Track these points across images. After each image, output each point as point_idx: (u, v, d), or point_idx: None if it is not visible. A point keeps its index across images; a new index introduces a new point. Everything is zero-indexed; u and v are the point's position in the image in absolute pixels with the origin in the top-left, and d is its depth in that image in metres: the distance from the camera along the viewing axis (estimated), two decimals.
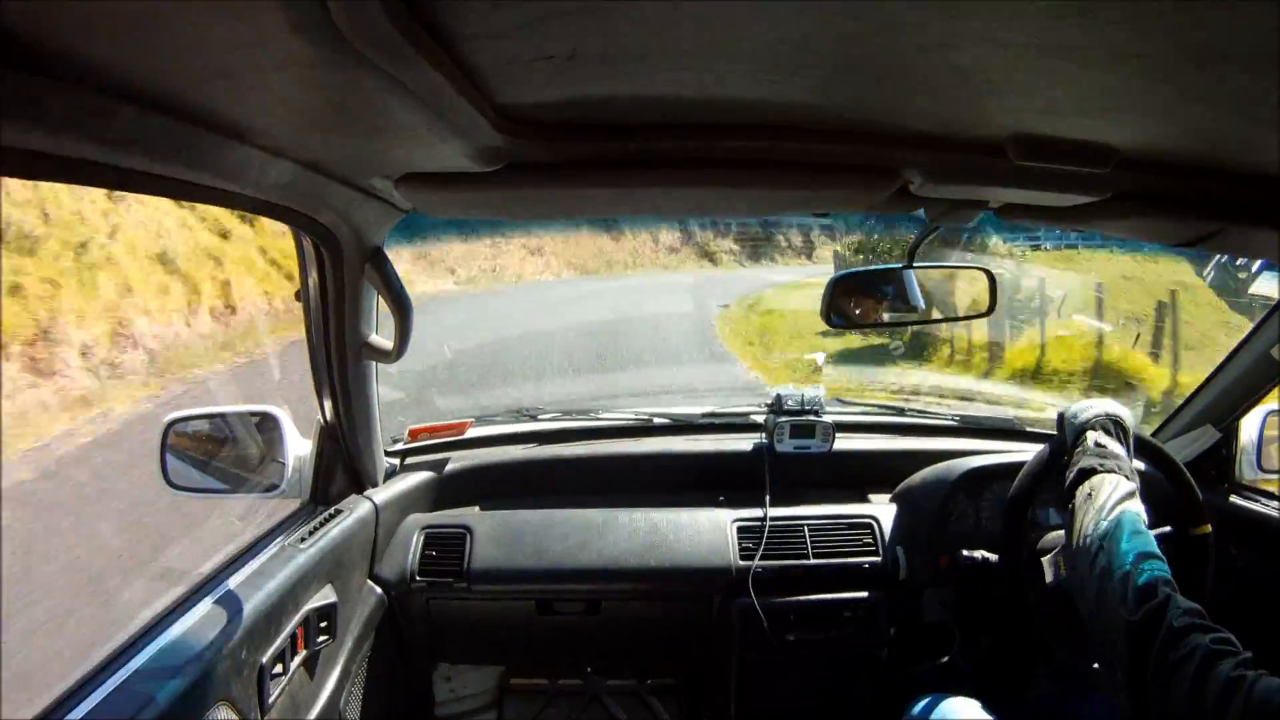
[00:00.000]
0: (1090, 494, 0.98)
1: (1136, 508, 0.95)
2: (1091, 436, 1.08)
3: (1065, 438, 1.14)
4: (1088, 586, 0.90)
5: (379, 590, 1.38)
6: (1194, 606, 0.79)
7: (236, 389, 6.15)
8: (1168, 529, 1.26)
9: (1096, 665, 0.96)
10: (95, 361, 5.87)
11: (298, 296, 1.13)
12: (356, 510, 1.31)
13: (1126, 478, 0.99)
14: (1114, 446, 1.06)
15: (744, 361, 7.37)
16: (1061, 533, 1.14)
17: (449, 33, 0.50)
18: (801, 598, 1.47)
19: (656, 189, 0.85)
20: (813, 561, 1.45)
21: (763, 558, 1.45)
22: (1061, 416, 1.17)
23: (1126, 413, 1.13)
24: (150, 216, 7.46)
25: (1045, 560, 1.19)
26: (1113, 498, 0.96)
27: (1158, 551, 0.88)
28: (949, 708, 1.19)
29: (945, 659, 1.51)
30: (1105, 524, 0.92)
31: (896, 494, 1.57)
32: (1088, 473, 1.01)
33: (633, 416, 1.74)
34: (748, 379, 6.63)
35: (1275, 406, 1.45)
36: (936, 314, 1.38)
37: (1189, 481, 1.23)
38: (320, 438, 1.25)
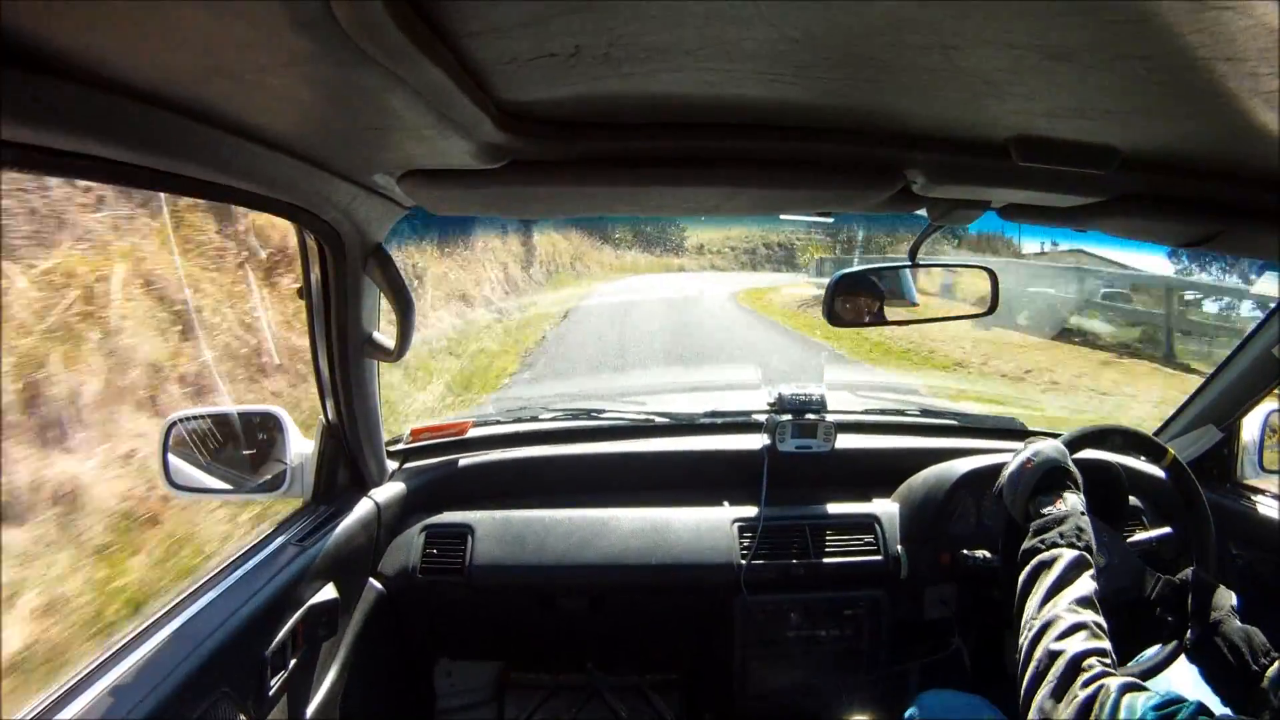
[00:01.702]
0: (1025, 583, 0.92)
1: (1078, 589, 0.88)
2: (1030, 508, 1.01)
3: (1016, 519, 1.07)
4: (1027, 690, 0.83)
5: (380, 587, 1.38)
6: (1127, 682, 0.75)
7: None
8: (1167, 530, 1.26)
9: None
10: None
11: (300, 294, 1.13)
12: (358, 509, 1.31)
13: (1071, 545, 0.92)
14: (1054, 509, 0.99)
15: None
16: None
17: (451, 30, 0.50)
18: (803, 595, 1.47)
19: (659, 188, 0.86)
20: (814, 560, 1.46)
21: (762, 556, 1.45)
22: (1000, 494, 1.10)
23: (1055, 447, 1.07)
24: None
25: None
26: (1048, 582, 0.89)
27: (1097, 646, 0.81)
28: (950, 702, 1.19)
29: (945, 655, 1.52)
30: (1040, 621, 0.86)
31: (898, 493, 1.57)
32: (1029, 555, 0.95)
33: (634, 416, 1.74)
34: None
35: (1276, 406, 1.45)
36: (937, 313, 1.37)
37: (1131, 430, 1.19)
38: (322, 437, 1.25)
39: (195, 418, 1.27)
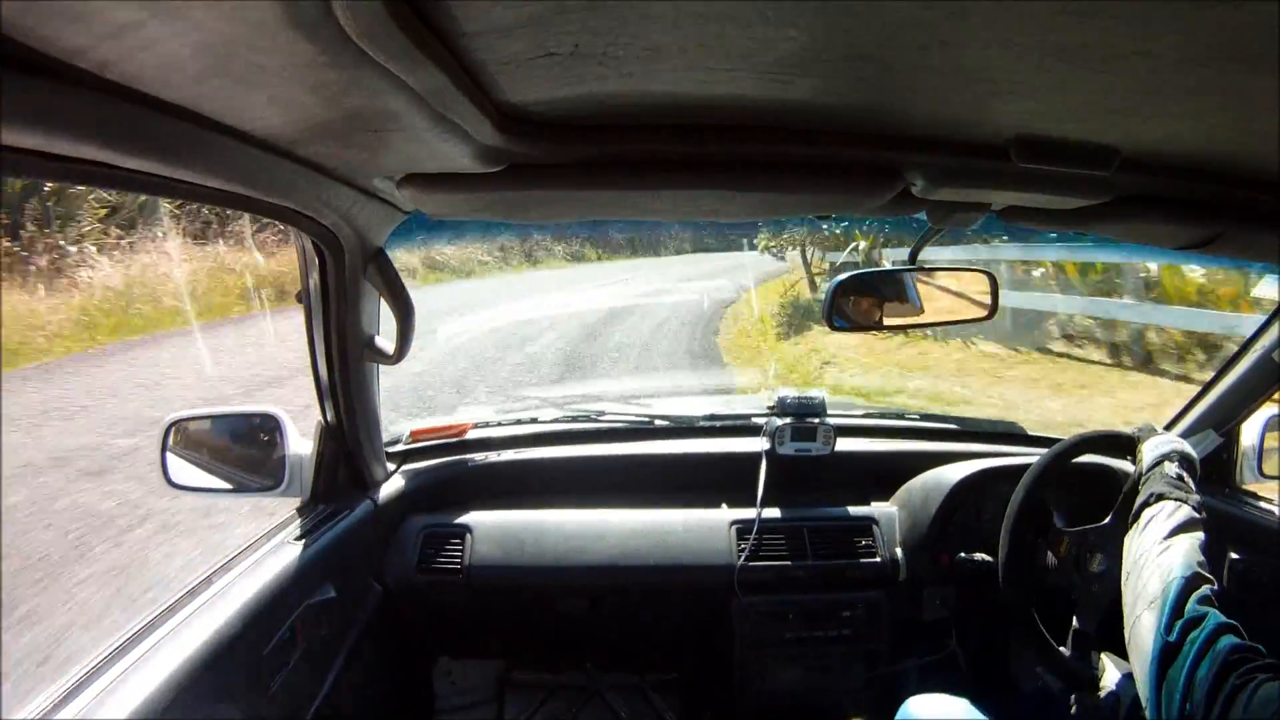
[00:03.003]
0: (1155, 516, 1.02)
1: (1198, 536, 0.98)
2: (1170, 467, 1.12)
3: (1140, 460, 1.17)
4: (1134, 600, 0.93)
5: (379, 587, 1.38)
6: (1228, 622, 0.81)
7: None
8: None
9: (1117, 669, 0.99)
10: None
11: (298, 298, 1.13)
12: (357, 510, 1.31)
13: (1194, 509, 1.02)
14: (1189, 480, 1.10)
15: None
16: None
17: (451, 30, 0.50)
18: (801, 597, 1.47)
19: (658, 191, 0.85)
20: (812, 562, 1.46)
21: (760, 558, 1.45)
22: (1136, 439, 1.21)
23: (1196, 455, 1.17)
24: None
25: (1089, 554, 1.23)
26: (1176, 522, 0.99)
27: (1209, 575, 0.91)
28: (938, 707, 1.19)
29: (943, 656, 1.52)
30: (1162, 546, 0.96)
31: (897, 496, 1.57)
32: (1160, 496, 1.05)
33: (634, 418, 1.74)
34: None
35: (1276, 411, 1.45)
36: (937, 317, 1.37)
37: (1100, 433, 1.28)
38: (321, 438, 1.25)
39: (194, 418, 1.27)
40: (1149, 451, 1.17)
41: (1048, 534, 1.27)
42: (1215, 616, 0.82)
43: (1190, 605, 0.85)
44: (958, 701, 1.19)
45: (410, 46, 0.48)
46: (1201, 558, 0.94)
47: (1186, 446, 1.17)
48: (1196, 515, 1.02)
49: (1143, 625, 0.89)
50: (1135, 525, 1.04)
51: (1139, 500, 1.08)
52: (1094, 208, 0.91)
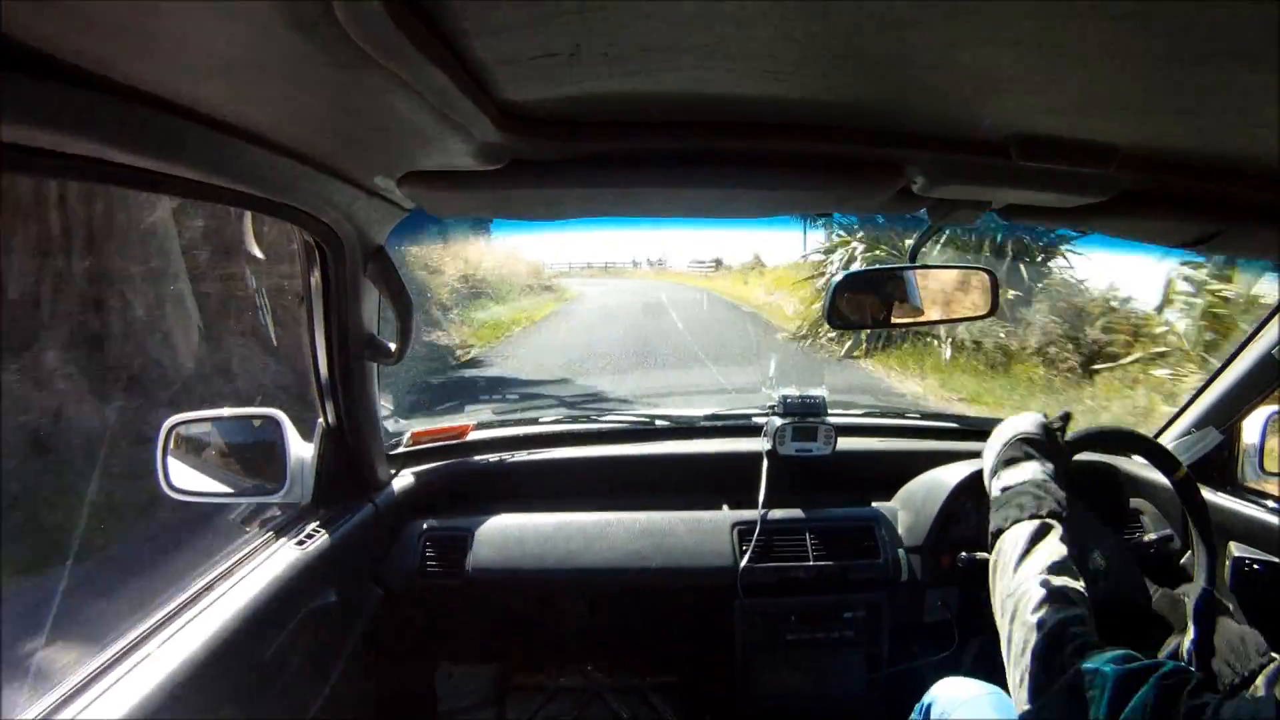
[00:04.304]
0: (995, 560, 0.91)
1: (1040, 558, 0.86)
2: (995, 486, 0.99)
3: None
4: (1006, 655, 0.83)
5: (379, 590, 1.38)
6: (1116, 653, 0.73)
7: None
8: (1167, 531, 1.24)
9: None
10: None
11: (300, 297, 1.13)
12: (358, 513, 1.31)
13: (1033, 517, 0.90)
14: (1016, 476, 0.97)
15: None
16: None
17: (451, 31, 0.50)
18: (802, 598, 1.47)
19: (658, 188, 0.86)
20: (814, 564, 1.45)
21: (761, 560, 1.44)
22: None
23: (1032, 420, 1.05)
24: None
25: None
26: (1014, 556, 0.88)
27: (1074, 591, 0.81)
28: (966, 691, 1.17)
29: (945, 657, 1.51)
30: (1015, 582, 0.86)
31: (898, 496, 1.56)
32: (995, 536, 0.93)
33: (634, 419, 1.74)
34: None
35: (1277, 409, 1.45)
36: (938, 315, 1.37)
37: (1149, 441, 1.15)
38: (322, 440, 1.25)
39: (194, 421, 1.26)
40: (987, 478, 1.04)
41: None
42: (1095, 661, 0.72)
43: (1068, 656, 0.74)
44: (985, 686, 1.16)
45: (409, 46, 0.48)
46: (1064, 577, 0.82)
47: (1023, 426, 1.03)
48: (1029, 525, 0.89)
49: (1020, 683, 0.78)
50: (991, 570, 0.92)
51: (989, 538, 0.95)
52: (1094, 205, 0.91)
